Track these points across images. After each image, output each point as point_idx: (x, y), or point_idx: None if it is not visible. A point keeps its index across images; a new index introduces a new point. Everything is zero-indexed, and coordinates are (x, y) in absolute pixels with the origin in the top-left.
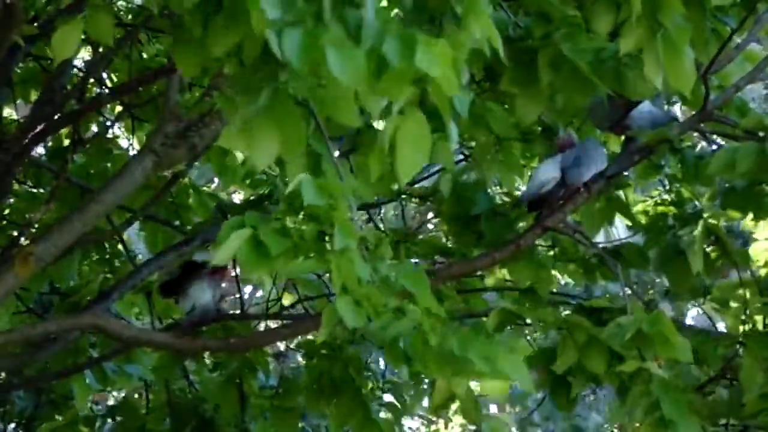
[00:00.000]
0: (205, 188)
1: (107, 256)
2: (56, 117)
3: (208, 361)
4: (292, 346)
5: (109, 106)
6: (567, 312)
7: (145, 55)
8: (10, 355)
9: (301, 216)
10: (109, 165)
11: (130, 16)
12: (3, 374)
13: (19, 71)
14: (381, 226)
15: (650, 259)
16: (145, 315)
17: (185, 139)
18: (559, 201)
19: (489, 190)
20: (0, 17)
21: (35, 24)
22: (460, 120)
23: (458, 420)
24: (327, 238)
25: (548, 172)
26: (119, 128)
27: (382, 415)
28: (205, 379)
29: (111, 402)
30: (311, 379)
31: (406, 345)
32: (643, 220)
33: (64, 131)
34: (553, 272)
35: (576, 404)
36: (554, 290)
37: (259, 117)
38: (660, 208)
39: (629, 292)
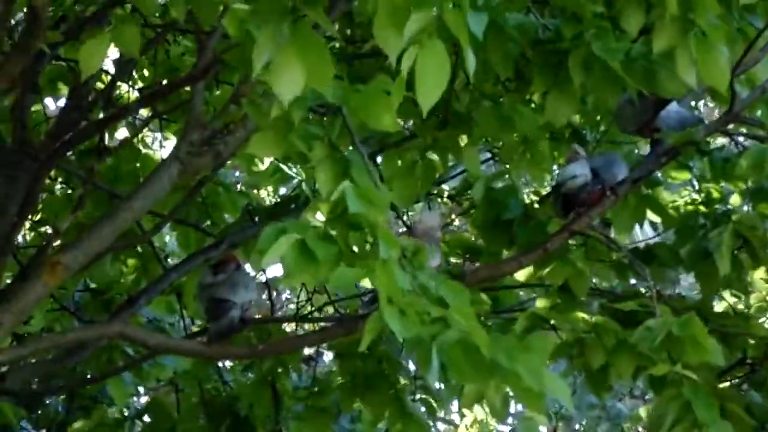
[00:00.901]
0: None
1: (139, 255)
2: (83, 124)
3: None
4: (322, 348)
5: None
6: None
7: (171, 53)
8: (40, 362)
9: (343, 224)
10: (138, 165)
11: (156, 14)
12: (35, 380)
13: (48, 69)
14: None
15: (683, 258)
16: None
17: (210, 146)
18: (591, 200)
19: (519, 193)
20: (25, 25)
21: (63, 24)
22: (488, 122)
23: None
24: (366, 247)
25: (578, 169)
26: (149, 128)
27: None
28: (239, 378)
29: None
30: (345, 377)
31: (441, 353)
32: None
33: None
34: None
35: (611, 390)
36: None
37: (281, 50)
38: (690, 207)
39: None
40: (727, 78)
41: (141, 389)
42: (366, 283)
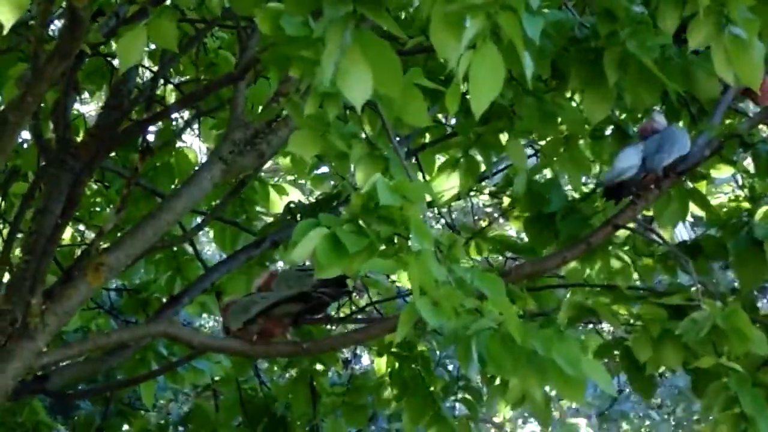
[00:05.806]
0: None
1: (173, 255)
2: (126, 125)
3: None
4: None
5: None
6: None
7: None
8: (82, 362)
9: (376, 217)
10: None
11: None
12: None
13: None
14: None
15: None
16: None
17: (253, 145)
18: (638, 190)
19: (561, 187)
20: (67, 27)
21: (100, 18)
22: (531, 115)
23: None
24: (399, 240)
25: (628, 159)
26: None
27: (458, 413)
28: (277, 378)
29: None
30: (381, 377)
31: (479, 346)
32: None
33: None
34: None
35: (656, 388)
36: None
37: (347, 54)
38: (734, 204)
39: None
40: (761, 75)
41: (181, 396)
42: (407, 284)
